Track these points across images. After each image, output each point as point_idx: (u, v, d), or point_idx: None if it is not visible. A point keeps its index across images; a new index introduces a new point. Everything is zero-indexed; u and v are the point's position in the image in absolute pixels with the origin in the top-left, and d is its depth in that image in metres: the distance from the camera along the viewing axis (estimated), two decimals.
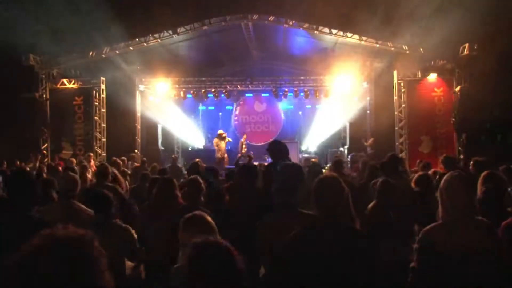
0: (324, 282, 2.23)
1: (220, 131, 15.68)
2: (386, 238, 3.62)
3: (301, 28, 12.96)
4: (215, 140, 15.27)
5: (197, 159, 6.55)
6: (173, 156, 12.91)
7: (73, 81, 13.95)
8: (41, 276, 1.03)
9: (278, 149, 4.59)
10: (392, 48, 12.73)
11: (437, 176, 5.33)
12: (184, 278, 1.79)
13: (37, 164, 10.66)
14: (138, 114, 14.90)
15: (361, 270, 2.25)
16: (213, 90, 15.96)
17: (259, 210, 3.27)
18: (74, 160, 10.52)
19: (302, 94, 16.01)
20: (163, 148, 16.34)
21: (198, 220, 2.60)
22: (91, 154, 11.79)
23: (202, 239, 1.85)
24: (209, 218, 2.63)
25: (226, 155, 15.09)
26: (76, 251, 1.08)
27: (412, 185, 4.77)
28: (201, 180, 4.11)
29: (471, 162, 5.63)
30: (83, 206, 3.80)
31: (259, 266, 3.15)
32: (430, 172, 6.20)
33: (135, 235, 3.50)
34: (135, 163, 12.15)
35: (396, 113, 13.49)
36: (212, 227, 2.57)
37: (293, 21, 12.78)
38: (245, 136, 16.51)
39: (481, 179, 3.54)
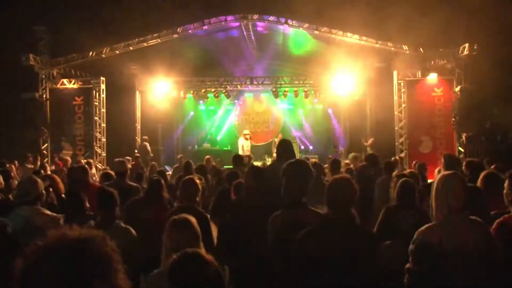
0: (331, 279, 2.27)
1: (245, 131, 15.58)
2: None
3: (301, 28, 12.98)
4: (240, 140, 15.21)
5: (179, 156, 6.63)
6: (178, 156, 12.87)
7: (73, 81, 13.95)
8: (53, 276, 1.01)
9: (286, 149, 4.55)
10: (392, 48, 12.73)
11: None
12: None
13: (38, 164, 10.68)
14: (138, 114, 14.90)
15: (368, 270, 2.28)
16: (213, 90, 15.95)
17: (268, 210, 3.27)
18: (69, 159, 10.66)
19: (302, 94, 16.01)
20: (163, 148, 16.35)
21: (182, 224, 2.56)
22: (91, 161, 11.67)
23: (181, 252, 1.86)
24: (194, 223, 2.57)
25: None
26: (89, 250, 1.07)
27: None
28: (197, 180, 4.10)
29: (464, 163, 5.61)
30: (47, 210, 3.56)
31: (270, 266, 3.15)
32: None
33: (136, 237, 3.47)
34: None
35: (396, 113, 13.48)
36: (196, 233, 2.52)
37: (293, 21, 12.79)
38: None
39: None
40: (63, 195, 4.63)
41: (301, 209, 2.90)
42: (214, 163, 9.73)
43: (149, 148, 14.11)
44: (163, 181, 4.61)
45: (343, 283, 2.28)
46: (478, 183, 4.27)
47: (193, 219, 2.59)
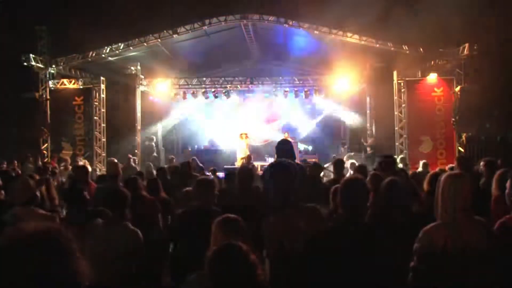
0: (344, 280, 2.28)
1: (242, 131, 15.54)
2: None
3: (301, 28, 12.98)
4: (238, 139, 15.18)
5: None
6: (170, 157, 12.72)
7: (73, 81, 13.96)
8: (12, 268, 1.08)
9: (284, 148, 4.53)
10: (392, 48, 12.72)
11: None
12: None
13: (39, 163, 10.68)
14: (138, 114, 14.89)
15: (382, 270, 2.29)
16: (213, 90, 15.94)
17: (254, 211, 3.26)
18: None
19: (302, 94, 15.99)
20: (163, 148, 16.35)
21: (235, 224, 2.59)
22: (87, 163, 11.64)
23: (224, 243, 1.90)
24: (243, 223, 2.62)
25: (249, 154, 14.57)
26: (45, 241, 1.13)
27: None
28: (215, 180, 4.09)
29: (482, 163, 5.55)
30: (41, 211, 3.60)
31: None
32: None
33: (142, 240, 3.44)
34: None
35: (396, 113, 13.48)
36: (246, 231, 2.56)
37: (293, 21, 12.79)
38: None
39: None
40: (56, 200, 4.64)
41: (291, 209, 2.86)
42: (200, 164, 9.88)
43: (154, 148, 14.19)
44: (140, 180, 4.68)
45: (356, 284, 2.29)
46: (493, 183, 4.20)
47: (240, 219, 2.62)
